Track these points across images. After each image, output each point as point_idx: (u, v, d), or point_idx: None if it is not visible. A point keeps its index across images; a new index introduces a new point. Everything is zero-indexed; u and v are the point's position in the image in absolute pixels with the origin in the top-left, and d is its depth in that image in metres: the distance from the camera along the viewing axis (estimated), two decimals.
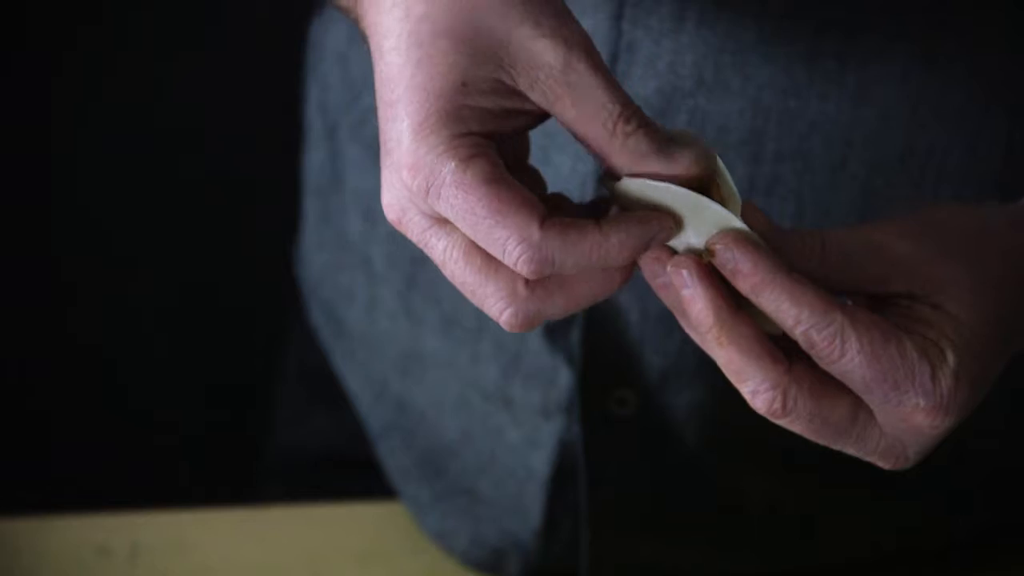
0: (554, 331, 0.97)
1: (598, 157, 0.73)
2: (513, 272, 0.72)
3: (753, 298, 0.71)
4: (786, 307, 0.70)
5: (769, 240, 0.72)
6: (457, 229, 0.72)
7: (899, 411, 0.72)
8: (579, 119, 0.72)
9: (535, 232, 0.70)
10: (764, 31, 0.87)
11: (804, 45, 0.87)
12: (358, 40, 0.94)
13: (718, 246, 0.71)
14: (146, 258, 1.71)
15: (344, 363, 1.13)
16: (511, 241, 0.70)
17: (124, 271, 1.70)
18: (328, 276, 1.13)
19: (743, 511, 1.01)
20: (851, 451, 0.74)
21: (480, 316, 1.00)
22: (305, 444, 1.20)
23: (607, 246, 0.71)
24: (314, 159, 1.14)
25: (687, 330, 0.74)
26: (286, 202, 1.26)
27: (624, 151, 0.72)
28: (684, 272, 0.72)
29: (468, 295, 0.73)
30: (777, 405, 0.72)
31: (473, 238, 0.71)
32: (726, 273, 0.71)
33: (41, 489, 1.50)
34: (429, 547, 1.08)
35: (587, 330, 0.96)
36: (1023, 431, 1.01)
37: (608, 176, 0.74)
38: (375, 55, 0.73)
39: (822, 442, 0.73)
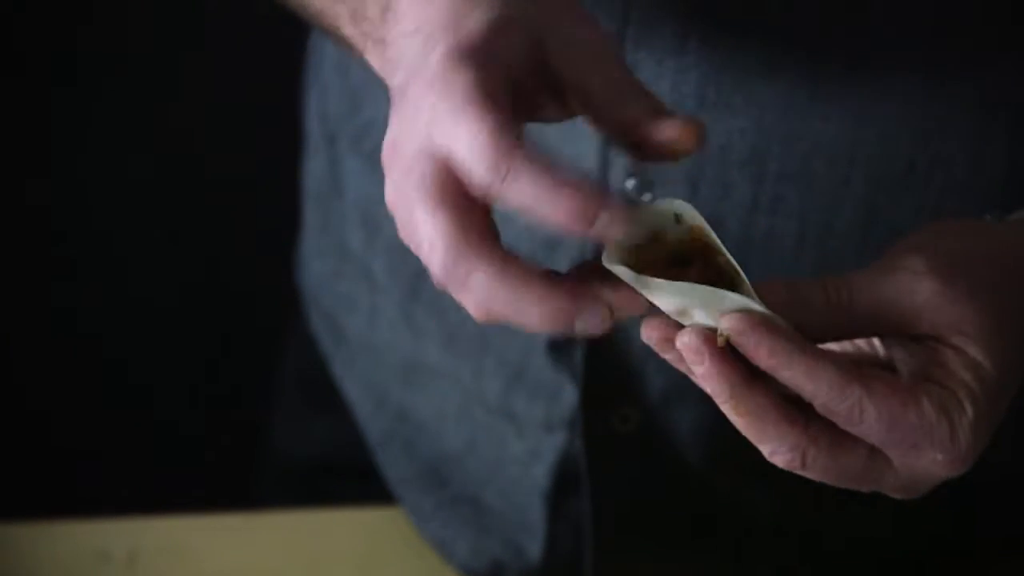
0: (558, 347, 0.97)
1: (614, 135, 0.71)
2: (476, 215, 0.68)
3: (770, 373, 0.70)
4: (803, 383, 0.70)
5: (792, 303, 0.71)
6: (442, 161, 0.68)
7: (917, 462, 0.72)
8: (593, 85, 0.71)
9: (505, 132, 0.66)
10: (766, 52, 0.87)
11: (806, 65, 0.87)
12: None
13: (733, 330, 0.69)
14: (145, 262, 1.71)
15: (344, 371, 1.13)
16: (479, 136, 0.67)
17: (122, 277, 1.70)
18: (328, 284, 1.13)
19: (746, 528, 1.01)
20: (864, 489, 0.74)
21: (483, 330, 1.00)
22: (304, 450, 1.20)
23: (566, 188, 0.66)
24: (314, 167, 1.14)
25: (723, 410, 0.73)
26: (287, 207, 1.25)
27: (637, 104, 0.70)
28: (694, 350, 0.70)
29: (416, 231, 0.69)
30: (796, 463, 0.72)
31: (449, 139, 0.68)
32: (744, 352, 0.70)
33: (40, 494, 1.50)
34: (428, 553, 1.08)
35: (590, 348, 0.96)
36: None
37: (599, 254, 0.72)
38: (408, 41, 0.72)
39: (835, 485, 0.73)
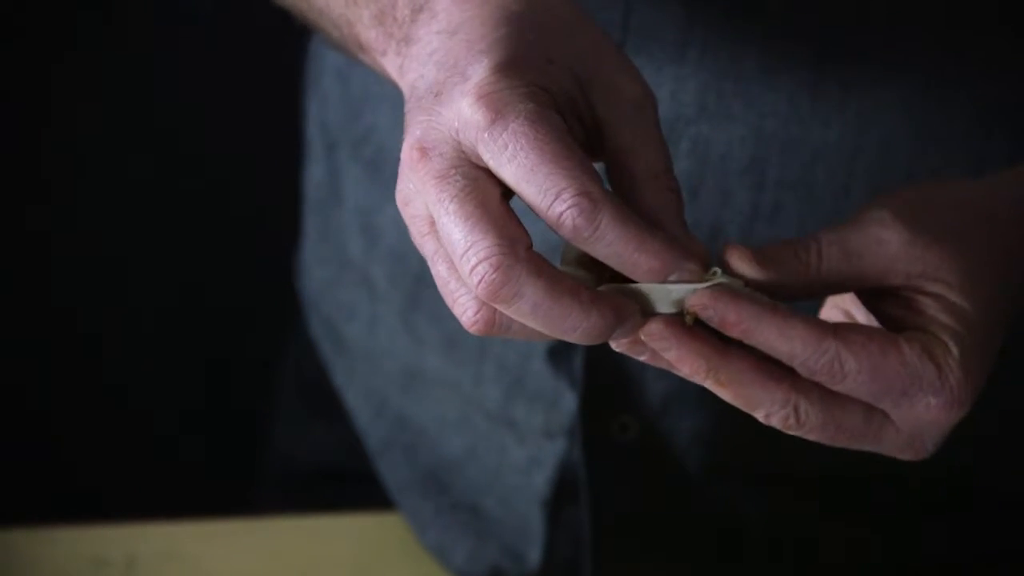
0: (556, 355, 0.97)
1: (620, 194, 0.71)
2: (519, 232, 0.68)
3: (745, 340, 0.70)
4: (777, 344, 0.70)
5: (762, 265, 0.72)
6: (487, 178, 0.68)
7: (912, 411, 0.72)
8: (630, 152, 0.71)
9: (597, 190, 0.67)
10: (766, 59, 0.87)
11: (806, 73, 0.87)
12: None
13: (696, 305, 0.70)
14: (145, 267, 1.71)
15: (344, 377, 1.13)
16: (569, 190, 0.66)
17: (122, 282, 1.70)
18: (328, 291, 1.13)
19: (745, 536, 1.01)
20: (869, 449, 0.73)
21: (482, 337, 1.00)
22: (303, 456, 1.20)
23: (651, 245, 0.68)
24: (314, 174, 1.14)
25: (687, 378, 0.73)
26: (288, 213, 1.25)
27: (656, 199, 0.71)
28: (658, 337, 0.70)
29: (454, 245, 0.68)
30: (791, 420, 0.71)
31: (520, 182, 0.67)
32: (714, 325, 0.70)
33: (38, 500, 1.50)
34: (426, 560, 1.08)
35: (588, 356, 0.96)
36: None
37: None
38: (445, 41, 0.71)
39: (840, 445, 0.73)
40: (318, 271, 1.14)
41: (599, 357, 0.96)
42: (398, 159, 0.71)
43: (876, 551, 1.03)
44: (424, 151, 0.69)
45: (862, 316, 0.77)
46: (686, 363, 0.70)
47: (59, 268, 1.69)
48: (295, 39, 1.17)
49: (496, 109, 0.67)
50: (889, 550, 1.03)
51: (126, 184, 1.68)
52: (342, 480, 1.16)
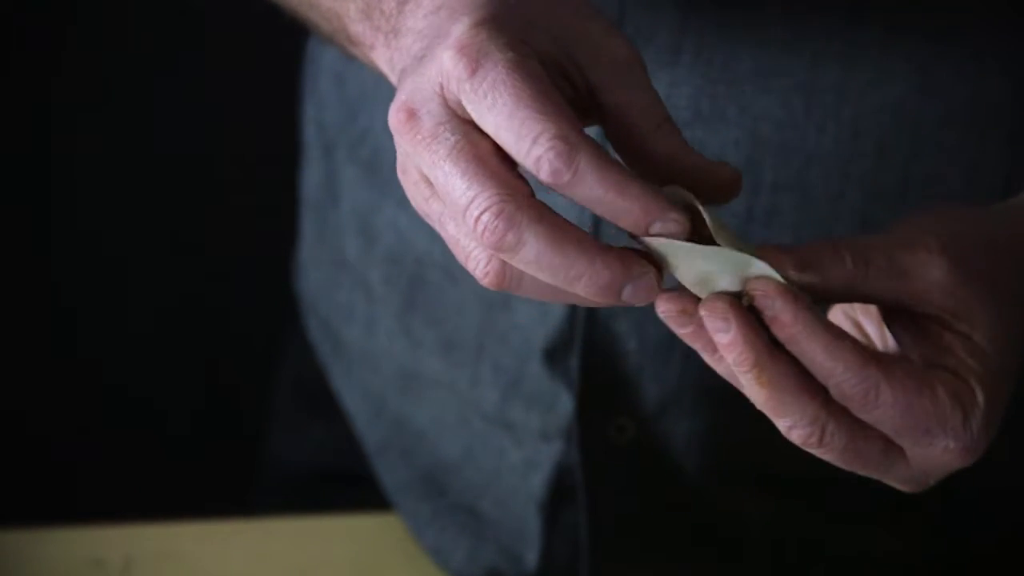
0: (553, 356, 0.97)
1: (630, 152, 0.71)
2: (518, 181, 0.68)
3: (787, 346, 0.69)
4: (821, 359, 0.69)
5: (810, 264, 0.71)
6: (477, 130, 0.68)
7: (929, 451, 0.71)
8: (629, 106, 0.70)
9: (574, 133, 0.66)
10: (761, 63, 0.87)
11: (801, 76, 0.87)
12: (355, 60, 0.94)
13: (758, 292, 0.69)
14: (143, 269, 1.71)
15: (342, 379, 1.13)
16: (546, 134, 0.66)
17: (120, 283, 1.70)
18: (326, 293, 1.13)
19: (743, 539, 1.01)
20: (874, 477, 0.73)
21: (479, 339, 1.00)
22: (300, 457, 1.20)
23: (631, 189, 0.67)
24: (311, 176, 1.14)
25: (714, 366, 0.72)
26: (286, 213, 1.25)
27: (665, 143, 0.70)
28: (720, 316, 0.69)
29: (456, 202, 0.68)
30: (814, 439, 0.70)
31: (500, 129, 0.67)
32: (765, 319, 0.69)
33: (35, 501, 1.50)
34: (424, 561, 1.08)
35: (585, 357, 0.96)
36: None
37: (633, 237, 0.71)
38: (431, 16, 0.71)
39: (848, 468, 0.73)
40: (315, 272, 1.14)
41: (595, 359, 0.96)
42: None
43: (879, 553, 1.03)
44: (411, 112, 0.69)
45: (873, 329, 0.77)
46: (736, 350, 0.69)
47: (57, 269, 1.70)
48: (292, 40, 1.18)
49: (476, 59, 0.67)
50: (892, 552, 1.03)
51: (123, 186, 1.68)
52: (339, 481, 1.16)
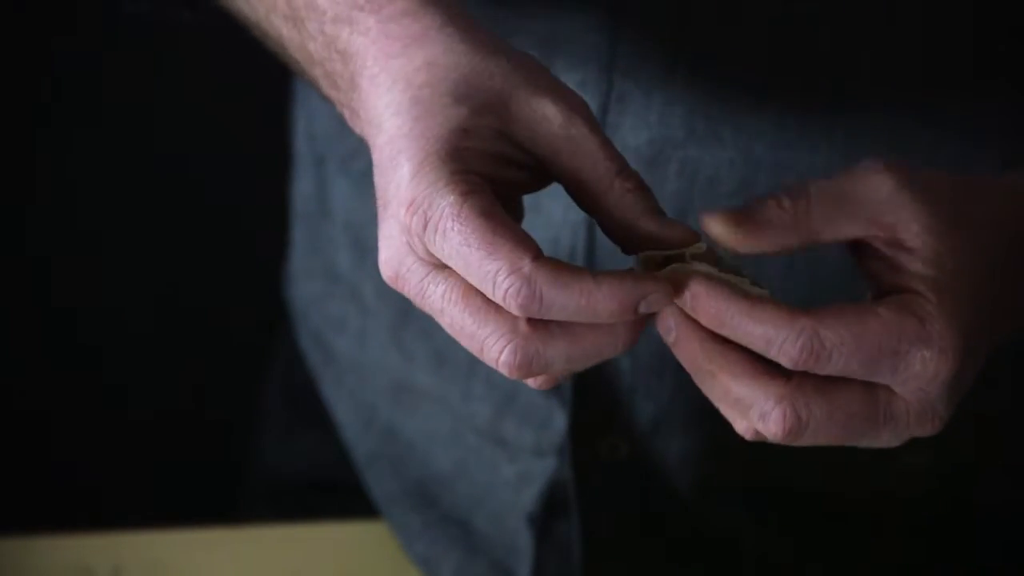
0: None
1: (593, 213, 0.73)
2: (509, 317, 0.71)
3: (720, 331, 0.71)
4: (751, 328, 0.70)
5: (742, 227, 0.72)
6: (456, 274, 0.71)
7: (911, 372, 0.71)
8: (578, 172, 0.72)
9: (526, 265, 0.69)
10: (754, 83, 0.87)
11: (795, 97, 0.87)
12: None
13: (682, 298, 0.71)
14: (133, 276, 1.71)
15: (332, 389, 1.13)
16: (501, 272, 0.69)
17: (111, 290, 1.70)
18: (317, 304, 1.12)
19: (736, 557, 1.01)
20: (888, 436, 0.72)
21: (472, 355, 1.00)
22: (290, 466, 1.20)
23: (597, 294, 0.70)
24: (302, 187, 1.13)
25: (703, 389, 0.73)
26: (277, 222, 1.25)
27: (621, 206, 0.72)
28: (667, 321, 0.72)
29: (467, 341, 0.72)
30: (791, 419, 0.71)
31: (466, 275, 0.70)
32: (690, 313, 0.71)
33: (23, 509, 1.50)
34: (412, 570, 1.08)
35: (578, 376, 0.95)
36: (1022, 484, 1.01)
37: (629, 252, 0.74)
38: (374, 139, 0.74)
39: (855, 441, 0.72)
40: (307, 283, 1.14)
41: (588, 378, 0.95)
42: None
43: (869, 567, 1.03)
44: (395, 273, 0.73)
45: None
46: (683, 346, 0.72)
47: (58, 274, 1.69)
48: None
49: (424, 213, 0.70)
50: (882, 566, 1.03)
51: (116, 194, 1.68)
52: (330, 491, 1.16)
